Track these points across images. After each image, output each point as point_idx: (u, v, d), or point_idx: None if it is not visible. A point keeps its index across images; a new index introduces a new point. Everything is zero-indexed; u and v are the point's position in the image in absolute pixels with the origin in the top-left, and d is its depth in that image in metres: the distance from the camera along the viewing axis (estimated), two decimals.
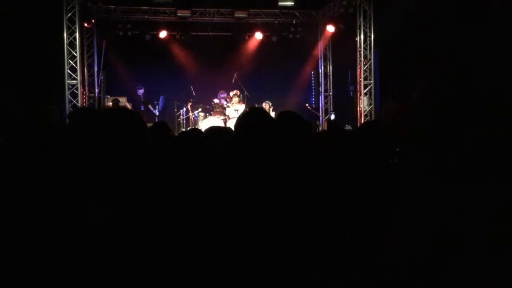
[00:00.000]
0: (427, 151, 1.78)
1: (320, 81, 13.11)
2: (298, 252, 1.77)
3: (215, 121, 10.25)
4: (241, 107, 10.50)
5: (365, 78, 10.92)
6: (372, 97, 10.92)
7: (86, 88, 11.04)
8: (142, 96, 11.37)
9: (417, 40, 8.09)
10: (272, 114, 9.54)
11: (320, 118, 12.76)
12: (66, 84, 9.98)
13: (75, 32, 10.02)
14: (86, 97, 10.92)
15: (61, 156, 1.98)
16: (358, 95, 11.06)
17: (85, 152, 1.74)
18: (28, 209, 1.66)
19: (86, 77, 11.11)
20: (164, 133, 3.50)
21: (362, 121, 10.50)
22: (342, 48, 11.96)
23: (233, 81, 11.30)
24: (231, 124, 9.91)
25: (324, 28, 12.16)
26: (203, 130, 3.27)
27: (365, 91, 10.87)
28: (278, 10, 11.84)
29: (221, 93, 11.05)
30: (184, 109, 11.06)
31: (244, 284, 1.69)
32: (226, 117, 10.58)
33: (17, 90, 8.39)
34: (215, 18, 11.81)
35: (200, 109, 10.91)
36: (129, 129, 1.71)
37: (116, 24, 11.40)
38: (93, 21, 11.24)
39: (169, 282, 1.58)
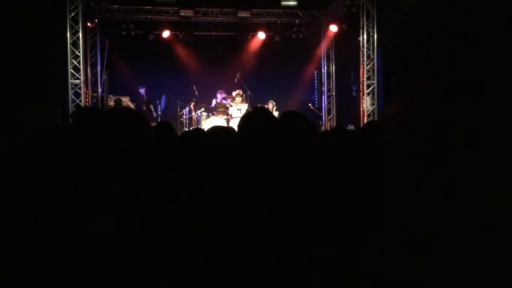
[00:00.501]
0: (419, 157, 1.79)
1: (323, 81, 13.10)
2: (298, 252, 1.77)
3: (218, 120, 10.24)
4: (244, 107, 10.50)
5: (368, 78, 10.90)
6: (375, 97, 10.89)
7: (89, 87, 11.04)
8: (144, 95, 11.38)
9: (420, 40, 8.07)
10: (276, 113, 9.54)
11: (323, 118, 12.75)
12: (69, 83, 10.00)
13: (78, 31, 10.04)
14: (89, 97, 10.93)
15: (63, 156, 1.98)
16: (361, 95, 11.04)
17: (88, 152, 1.74)
18: (28, 209, 1.65)
19: (89, 76, 11.11)
20: (168, 132, 3.51)
21: (365, 121, 10.48)
22: (345, 48, 11.93)
23: (235, 81, 11.30)
24: (234, 123, 9.91)
25: (327, 28, 12.14)
26: (205, 129, 3.27)
27: (368, 91, 10.85)
28: (281, 10, 11.82)
29: (220, 93, 11.02)
30: (187, 108, 11.05)
31: (244, 284, 1.69)
32: (229, 116, 10.57)
33: (20, 89, 8.41)
34: (218, 18, 11.82)
35: (202, 109, 10.90)
36: (133, 129, 1.71)
37: (119, 24, 11.44)
38: (96, 20, 11.25)
39: (176, 281, 1.58)
